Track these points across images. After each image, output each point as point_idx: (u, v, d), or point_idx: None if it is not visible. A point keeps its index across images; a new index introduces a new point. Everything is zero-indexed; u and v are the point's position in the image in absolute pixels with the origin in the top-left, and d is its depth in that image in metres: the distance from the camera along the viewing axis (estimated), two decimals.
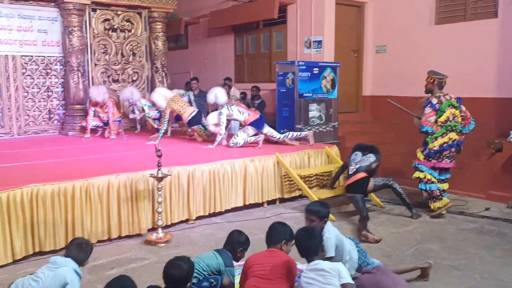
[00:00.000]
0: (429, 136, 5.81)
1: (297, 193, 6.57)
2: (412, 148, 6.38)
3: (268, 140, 7.19)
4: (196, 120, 7.44)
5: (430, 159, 5.86)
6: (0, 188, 4.26)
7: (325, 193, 6.25)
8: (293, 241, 3.31)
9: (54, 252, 4.46)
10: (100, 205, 4.79)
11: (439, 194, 5.80)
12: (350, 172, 5.70)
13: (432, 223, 5.62)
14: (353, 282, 2.99)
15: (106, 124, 8.08)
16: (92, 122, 8.07)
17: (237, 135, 6.95)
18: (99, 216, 4.78)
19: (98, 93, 7.90)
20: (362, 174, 5.60)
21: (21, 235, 4.33)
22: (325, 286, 2.90)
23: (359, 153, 5.85)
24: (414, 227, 5.45)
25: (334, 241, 3.59)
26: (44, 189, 4.44)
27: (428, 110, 5.73)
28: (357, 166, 5.68)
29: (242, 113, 6.99)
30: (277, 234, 3.33)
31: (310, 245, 3.12)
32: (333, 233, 3.63)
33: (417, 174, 5.95)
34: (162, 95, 7.86)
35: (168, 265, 2.97)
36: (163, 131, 7.57)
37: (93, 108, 8.06)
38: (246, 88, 10.15)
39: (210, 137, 7.34)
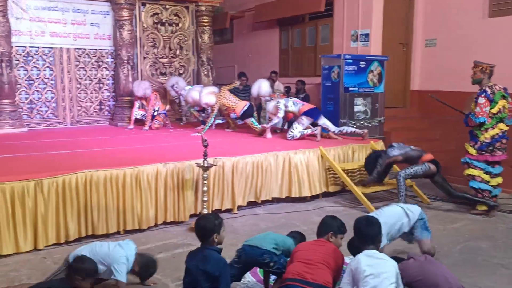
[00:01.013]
0: (479, 129, 5.61)
1: (340, 187, 6.52)
2: (462, 145, 6.18)
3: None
4: (248, 113, 7.58)
5: (483, 152, 5.63)
6: (56, 172, 4.49)
7: (368, 188, 6.17)
8: (343, 235, 3.39)
9: (106, 236, 4.66)
10: (150, 192, 4.95)
11: (488, 195, 5.61)
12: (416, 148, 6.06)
13: (482, 221, 5.45)
14: None
15: (153, 116, 8.36)
16: (137, 112, 8.43)
17: (293, 128, 7.02)
18: (149, 203, 4.94)
19: (138, 88, 8.24)
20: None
21: (75, 218, 4.55)
22: (383, 272, 2.86)
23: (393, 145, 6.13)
24: (462, 225, 5.31)
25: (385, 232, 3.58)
26: (98, 175, 4.64)
27: (482, 100, 5.48)
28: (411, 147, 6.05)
29: (295, 105, 7.21)
30: (324, 225, 3.43)
31: (368, 233, 3.13)
32: (384, 229, 3.54)
33: (470, 171, 5.71)
34: (209, 93, 7.92)
35: (199, 217, 3.34)
36: (210, 124, 7.71)
37: (138, 101, 8.41)
38: (291, 82, 10.14)
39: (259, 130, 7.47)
